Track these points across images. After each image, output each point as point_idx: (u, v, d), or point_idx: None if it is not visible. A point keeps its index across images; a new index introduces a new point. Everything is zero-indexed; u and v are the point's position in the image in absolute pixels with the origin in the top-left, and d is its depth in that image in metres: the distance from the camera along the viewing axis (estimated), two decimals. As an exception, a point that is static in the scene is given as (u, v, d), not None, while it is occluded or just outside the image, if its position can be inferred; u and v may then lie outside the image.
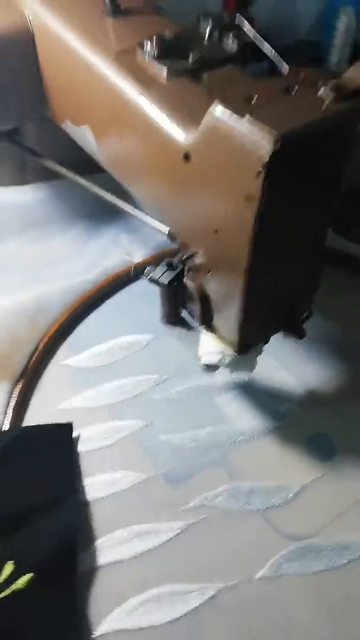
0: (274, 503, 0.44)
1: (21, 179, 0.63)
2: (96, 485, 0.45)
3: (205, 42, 0.38)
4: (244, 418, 0.49)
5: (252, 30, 0.36)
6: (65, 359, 0.53)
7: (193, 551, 0.42)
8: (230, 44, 0.37)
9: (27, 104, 0.49)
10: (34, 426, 0.47)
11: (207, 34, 0.37)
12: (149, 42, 0.36)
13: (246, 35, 0.37)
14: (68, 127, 0.47)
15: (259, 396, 0.50)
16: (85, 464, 0.46)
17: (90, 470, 0.46)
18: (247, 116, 0.27)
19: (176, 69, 0.35)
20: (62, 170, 0.50)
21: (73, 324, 0.55)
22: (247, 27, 0.37)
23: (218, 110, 0.28)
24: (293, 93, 0.29)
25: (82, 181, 0.50)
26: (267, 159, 0.26)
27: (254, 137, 0.26)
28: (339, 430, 0.48)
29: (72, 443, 0.47)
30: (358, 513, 0.43)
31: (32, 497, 0.42)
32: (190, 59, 0.36)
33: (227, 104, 0.28)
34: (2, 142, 0.54)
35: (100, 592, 0.40)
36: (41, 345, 0.52)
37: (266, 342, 0.42)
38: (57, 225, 0.63)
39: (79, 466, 0.46)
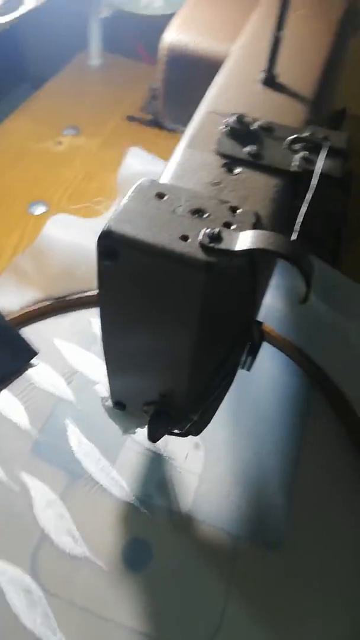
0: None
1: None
2: (5, 399, 0.53)
3: (283, 147, 0.36)
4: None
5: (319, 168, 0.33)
6: (94, 316, 0.60)
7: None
8: (296, 161, 0.34)
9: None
10: (13, 329, 0.56)
11: (288, 142, 0.35)
12: (231, 118, 0.36)
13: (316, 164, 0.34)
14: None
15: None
16: (16, 382, 0.54)
17: (12, 388, 0.54)
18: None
19: (224, 151, 0.35)
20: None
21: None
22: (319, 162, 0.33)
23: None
24: (204, 216, 0.27)
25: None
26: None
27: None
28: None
29: (24, 364, 0.55)
30: None
31: None
32: (243, 150, 0.35)
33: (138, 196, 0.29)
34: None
35: None
36: (86, 294, 0.60)
37: (153, 437, 0.40)
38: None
39: (12, 380, 0.54)
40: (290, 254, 0.25)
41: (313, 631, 0.42)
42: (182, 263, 0.25)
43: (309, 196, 0.31)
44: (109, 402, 0.42)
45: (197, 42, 0.49)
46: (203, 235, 0.26)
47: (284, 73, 0.41)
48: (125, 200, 0.28)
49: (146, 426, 0.43)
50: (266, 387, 0.56)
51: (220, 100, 0.40)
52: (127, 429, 0.43)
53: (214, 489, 0.48)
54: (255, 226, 0.27)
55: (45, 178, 0.75)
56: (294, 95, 0.40)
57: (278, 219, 0.32)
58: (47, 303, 0.59)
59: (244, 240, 0.25)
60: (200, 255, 0.25)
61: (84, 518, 0.46)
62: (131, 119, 0.84)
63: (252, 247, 0.25)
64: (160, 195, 0.28)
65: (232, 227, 0.27)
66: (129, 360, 0.36)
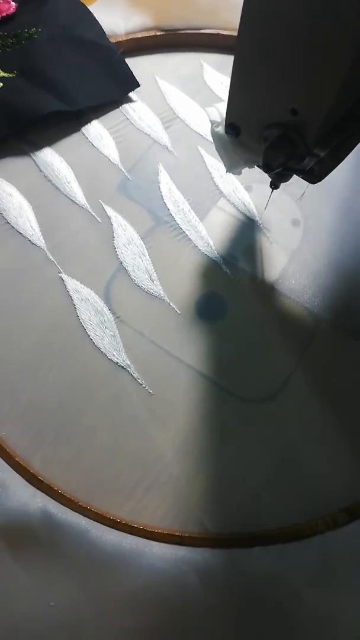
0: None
1: None
2: (96, 130, 0.48)
3: None
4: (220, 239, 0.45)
5: None
6: (208, 61, 0.52)
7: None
8: None
9: None
10: (117, 51, 0.49)
11: None
12: None
13: None
14: None
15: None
16: (110, 114, 0.49)
17: (105, 120, 0.48)
18: None
19: None
20: None
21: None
22: None
23: None
24: None
25: None
26: None
27: None
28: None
29: (123, 95, 0.49)
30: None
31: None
32: None
33: None
34: None
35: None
36: (205, 32, 0.51)
37: (270, 165, 0.34)
38: None
39: (106, 111, 0.49)
40: None
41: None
42: None
43: None
44: (220, 128, 0.36)
45: None
46: None
47: None
48: None
49: (257, 164, 0.37)
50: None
51: None
52: (233, 166, 0.38)
53: (305, 268, 0.44)
54: None
55: None
56: None
57: None
58: (156, 34, 0.51)
59: None
60: None
61: (163, 262, 0.43)
62: None
63: None
64: None
65: None
66: (266, 59, 0.28)
